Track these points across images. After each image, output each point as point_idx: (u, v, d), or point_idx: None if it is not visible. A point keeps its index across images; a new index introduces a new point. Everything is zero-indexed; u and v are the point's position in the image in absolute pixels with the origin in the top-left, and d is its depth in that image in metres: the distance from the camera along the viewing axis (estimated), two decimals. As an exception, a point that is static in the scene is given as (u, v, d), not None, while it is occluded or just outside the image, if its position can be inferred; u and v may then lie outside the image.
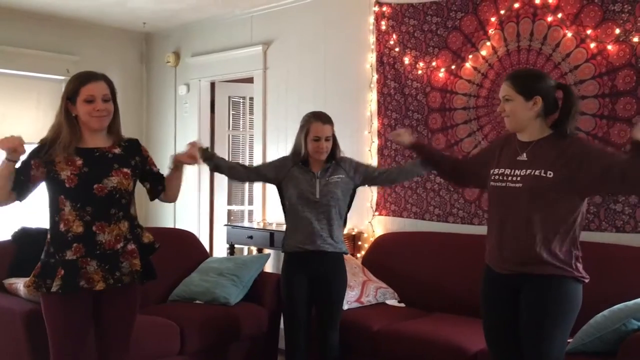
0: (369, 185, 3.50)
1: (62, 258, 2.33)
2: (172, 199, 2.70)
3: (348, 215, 3.27)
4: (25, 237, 3.37)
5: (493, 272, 2.45)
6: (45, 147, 2.37)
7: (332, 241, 3.11)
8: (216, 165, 3.15)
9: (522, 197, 2.33)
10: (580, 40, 3.41)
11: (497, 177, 2.44)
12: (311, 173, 3.14)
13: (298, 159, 3.16)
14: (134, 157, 2.50)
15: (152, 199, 2.66)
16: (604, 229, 3.33)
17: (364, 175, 3.23)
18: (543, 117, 2.38)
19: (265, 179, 3.33)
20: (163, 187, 2.61)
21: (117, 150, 2.46)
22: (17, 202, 2.40)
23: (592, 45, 3.37)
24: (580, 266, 2.35)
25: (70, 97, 2.38)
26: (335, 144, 3.19)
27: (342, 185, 3.15)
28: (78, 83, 2.39)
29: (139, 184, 2.56)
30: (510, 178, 2.38)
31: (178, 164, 2.61)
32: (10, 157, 2.24)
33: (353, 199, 3.27)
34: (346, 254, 3.24)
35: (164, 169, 2.66)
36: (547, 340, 2.29)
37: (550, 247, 2.30)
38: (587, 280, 2.34)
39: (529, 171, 2.34)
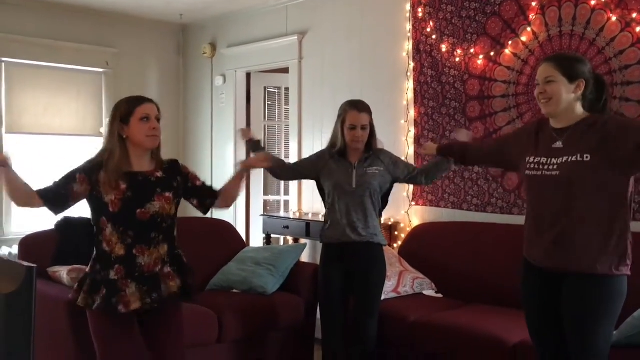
0: (409, 183, 3.43)
1: (106, 277, 2.37)
2: (227, 205, 2.72)
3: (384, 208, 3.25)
4: (68, 227, 3.45)
5: (532, 266, 2.39)
6: (96, 167, 2.39)
7: (368, 232, 3.09)
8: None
9: (560, 185, 2.25)
10: (625, 24, 3.30)
11: (532, 165, 2.35)
12: (348, 163, 3.12)
13: (335, 151, 3.15)
14: (176, 178, 2.51)
15: (204, 213, 2.68)
16: (635, 219, 3.19)
17: (407, 172, 3.19)
18: (581, 102, 2.31)
19: (303, 176, 3.35)
20: (212, 201, 2.61)
21: (159, 174, 2.47)
22: (52, 214, 2.43)
23: (638, 29, 3.25)
24: (627, 262, 2.25)
25: (123, 118, 2.41)
26: (372, 134, 3.15)
27: (379, 178, 3.12)
28: (133, 104, 2.43)
29: (182, 204, 2.57)
30: (546, 167, 2.30)
31: (247, 168, 2.66)
32: None
33: (390, 193, 3.24)
34: (384, 245, 3.22)
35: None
36: (590, 336, 2.22)
37: (592, 239, 2.22)
38: (629, 273, 2.26)
39: (565, 158, 2.26)
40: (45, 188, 2.38)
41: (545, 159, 2.32)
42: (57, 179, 2.41)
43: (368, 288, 3.13)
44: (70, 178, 2.38)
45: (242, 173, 2.68)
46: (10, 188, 2.30)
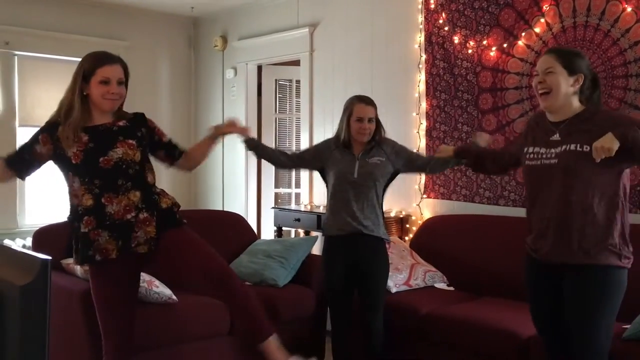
0: (410, 171, 3.34)
1: (78, 231, 2.41)
2: (190, 167, 2.74)
3: (385, 198, 3.22)
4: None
5: (533, 259, 2.41)
6: (55, 124, 2.41)
7: (369, 223, 3.10)
8: (259, 155, 3.29)
9: (558, 174, 2.27)
10: (641, 14, 3.26)
11: (531, 155, 2.39)
12: (352, 155, 3.14)
13: (340, 142, 3.16)
14: (140, 128, 2.51)
15: (169, 166, 2.68)
16: (630, 211, 3.16)
17: (406, 159, 3.19)
18: (578, 97, 2.33)
19: (307, 163, 3.35)
20: (179, 154, 2.63)
21: (121, 123, 2.47)
22: (19, 180, 2.50)
23: (654, 19, 3.21)
24: (626, 251, 2.26)
25: (85, 76, 2.40)
26: (378, 128, 3.17)
27: (381, 168, 3.13)
28: (95, 63, 2.40)
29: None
30: (545, 156, 2.33)
31: (218, 133, 2.68)
32: None
33: (389, 184, 3.23)
34: (387, 240, 3.20)
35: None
36: (591, 328, 2.23)
37: (592, 229, 2.23)
38: (629, 266, 2.27)
39: (564, 147, 2.28)
40: (11, 156, 2.43)
41: (544, 149, 2.35)
42: (21, 144, 2.46)
43: (371, 284, 3.14)
44: (33, 141, 2.42)
45: (212, 138, 2.71)
46: None
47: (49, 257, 1.25)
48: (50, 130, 2.41)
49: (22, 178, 2.51)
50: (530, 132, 2.48)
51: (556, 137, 2.33)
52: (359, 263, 3.12)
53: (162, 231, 2.45)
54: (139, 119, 2.54)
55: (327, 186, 3.25)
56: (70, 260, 3.19)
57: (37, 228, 3.51)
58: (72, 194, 2.42)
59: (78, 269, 3.08)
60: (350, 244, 3.11)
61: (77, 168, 2.38)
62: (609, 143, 2.07)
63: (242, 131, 2.99)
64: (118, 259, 2.41)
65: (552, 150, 2.31)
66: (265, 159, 3.33)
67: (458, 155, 2.96)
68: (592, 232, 2.23)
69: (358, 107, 3.11)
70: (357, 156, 3.14)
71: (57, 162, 2.44)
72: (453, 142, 4.04)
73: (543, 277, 2.39)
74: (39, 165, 2.46)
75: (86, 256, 2.40)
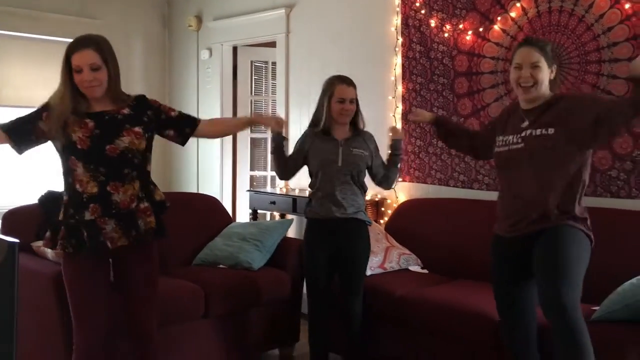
0: (372, 178, 3.32)
1: (82, 219, 2.35)
2: (213, 134, 2.79)
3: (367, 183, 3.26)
4: (52, 200, 3.38)
5: (502, 239, 2.54)
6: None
7: (352, 209, 3.11)
8: (278, 158, 3.21)
9: (525, 157, 2.43)
10: (614, 0, 3.28)
11: (501, 143, 2.54)
12: (334, 141, 3.12)
13: (319, 129, 3.13)
14: (145, 112, 2.48)
15: (183, 144, 2.65)
16: (599, 194, 3.32)
17: (373, 167, 3.21)
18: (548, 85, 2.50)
19: (299, 166, 3.28)
20: (192, 129, 2.58)
21: (126, 111, 2.43)
22: (17, 155, 2.42)
23: (627, 5, 3.23)
24: (589, 224, 2.44)
25: (65, 67, 2.36)
26: (357, 111, 3.15)
27: (364, 160, 3.16)
28: (68, 52, 2.36)
29: (158, 142, 2.54)
30: (512, 142, 2.48)
31: (256, 120, 2.76)
32: None
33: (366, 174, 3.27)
34: (369, 224, 3.23)
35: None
36: (564, 279, 2.28)
37: (561, 205, 2.39)
38: (593, 242, 2.44)
39: (529, 131, 2.44)
40: (10, 122, 2.37)
41: (512, 137, 2.50)
42: (21, 116, 2.39)
43: (352, 267, 3.15)
44: (35, 116, 2.37)
45: (249, 121, 2.76)
46: None
47: (17, 240, 1.22)
48: (49, 109, 2.37)
49: (20, 151, 2.42)
50: (503, 121, 2.62)
51: (525, 123, 2.48)
52: (341, 248, 3.13)
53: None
54: (142, 103, 2.50)
55: (309, 172, 3.23)
56: (41, 243, 3.16)
57: (6, 210, 3.44)
58: (76, 180, 2.37)
59: (49, 251, 3.03)
60: (333, 229, 3.11)
61: (82, 153, 2.34)
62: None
63: (278, 127, 2.99)
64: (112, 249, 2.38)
65: (519, 135, 2.46)
66: (280, 164, 3.24)
67: (436, 123, 3.01)
68: (561, 206, 2.40)
69: (339, 87, 3.08)
70: (340, 142, 3.12)
71: (59, 144, 2.39)
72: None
73: (509, 254, 2.53)
74: (37, 143, 2.41)
75: (99, 243, 2.34)
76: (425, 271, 3.69)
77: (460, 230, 3.67)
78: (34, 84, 5.40)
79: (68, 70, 2.35)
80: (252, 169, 6.10)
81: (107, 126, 2.37)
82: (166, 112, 2.55)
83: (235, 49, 5.85)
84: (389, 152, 3.26)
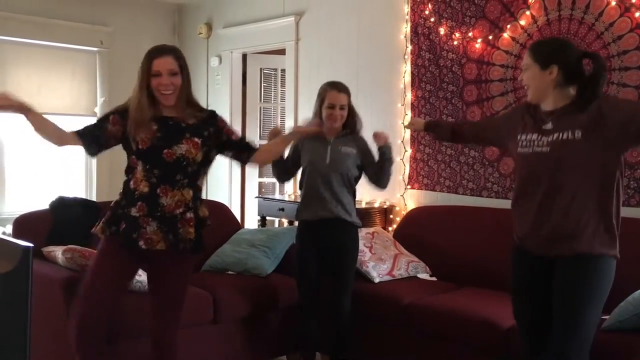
0: (366, 176, 3.32)
1: (128, 213, 2.45)
2: (262, 162, 2.91)
3: (368, 188, 3.26)
4: (63, 207, 3.43)
5: (523, 250, 2.40)
6: (126, 109, 2.49)
7: (340, 209, 3.14)
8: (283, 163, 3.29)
9: (550, 162, 2.27)
10: (624, 8, 3.28)
11: (524, 142, 2.38)
12: (324, 140, 3.18)
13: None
14: (208, 128, 2.57)
15: (242, 165, 2.82)
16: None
17: (364, 166, 3.21)
18: (563, 86, 2.31)
19: (298, 166, 3.33)
20: (249, 154, 2.67)
21: (191, 121, 2.54)
22: (90, 158, 2.55)
23: (638, 14, 3.23)
24: (615, 244, 2.27)
25: (145, 70, 2.48)
26: (352, 115, 3.21)
27: (352, 159, 3.18)
28: (149, 58, 2.49)
29: (219, 162, 2.66)
30: (536, 144, 2.33)
31: (297, 134, 2.79)
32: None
33: (357, 181, 3.27)
34: (359, 225, 3.26)
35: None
36: (578, 317, 2.23)
37: (584, 218, 2.23)
38: (618, 257, 2.29)
39: (556, 135, 2.28)
40: (83, 128, 2.50)
41: (536, 136, 2.34)
42: (89, 123, 2.54)
43: (342, 268, 3.19)
44: (103, 120, 2.51)
45: (290, 138, 2.80)
46: (39, 129, 2.41)
47: (31, 245, 1.23)
48: (120, 113, 2.49)
49: (92, 154, 2.55)
50: (520, 116, 2.46)
51: (548, 126, 2.32)
52: (330, 249, 3.17)
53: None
54: (210, 119, 2.61)
55: (301, 171, 3.28)
56: (51, 248, 3.18)
57: (18, 215, 3.46)
58: (133, 177, 2.48)
59: (59, 256, 3.05)
60: (322, 230, 3.16)
61: (141, 153, 2.45)
62: None
63: (316, 128, 2.99)
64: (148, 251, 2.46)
65: (545, 139, 2.31)
66: (278, 165, 3.29)
67: (429, 129, 2.99)
68: (584, 221, 2.23)
69: (330, 94, 3.15)
70: (329, 141, 3.18)
71: (126, 143, 2.51)
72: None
73: (532, 270, 2.38)
74: (107, 145, 2.52)
75: (131, 239, 2.43)
76: (434, 279, 3.69)
77: (469, 238, 3.67)
78: (44, 90, 5.46)
79: (147, 74, 2.47)
80: (260, 175, 6.11)
81: (169, 131, 2.48)
82: (228, 134, 2.66)
83: (244, 56, 5.89)
84: (378, 158, 3.20)
